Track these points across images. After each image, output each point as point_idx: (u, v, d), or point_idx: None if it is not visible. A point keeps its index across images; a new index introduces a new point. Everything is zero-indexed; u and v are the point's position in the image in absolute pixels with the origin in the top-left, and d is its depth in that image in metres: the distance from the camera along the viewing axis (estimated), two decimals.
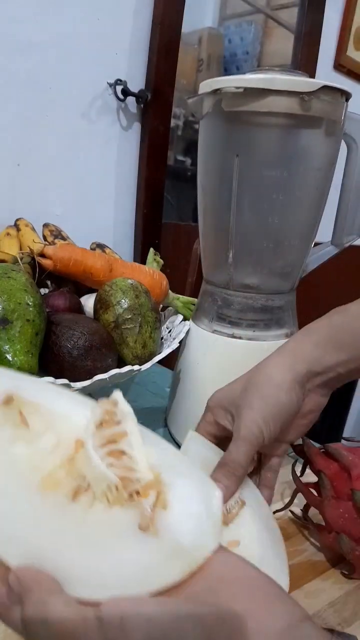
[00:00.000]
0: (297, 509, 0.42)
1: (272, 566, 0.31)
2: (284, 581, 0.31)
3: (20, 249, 0.70)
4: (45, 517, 0.24)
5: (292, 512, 0.42)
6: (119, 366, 0.52)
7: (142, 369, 0.50)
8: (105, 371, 0.48)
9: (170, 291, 0.71)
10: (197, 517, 0.24)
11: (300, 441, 0.42)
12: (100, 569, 0.22)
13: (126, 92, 0.93)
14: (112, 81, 0.91)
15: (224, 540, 0.31)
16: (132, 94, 0.94)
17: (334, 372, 0.38)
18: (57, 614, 0.20)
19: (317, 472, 0.40)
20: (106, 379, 0.47)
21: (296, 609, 0.22)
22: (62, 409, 0.28)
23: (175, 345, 0.55)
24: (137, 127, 0.99)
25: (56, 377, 0.44)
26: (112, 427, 0.27)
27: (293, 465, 0.42)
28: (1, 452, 0.26)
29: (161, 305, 0.70)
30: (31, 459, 0.26)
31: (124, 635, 0.20)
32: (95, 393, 0.60)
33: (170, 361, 0.61)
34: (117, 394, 0.28)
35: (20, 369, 0.44)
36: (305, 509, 0.41)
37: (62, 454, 0.26)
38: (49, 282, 0.67)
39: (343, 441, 0.43)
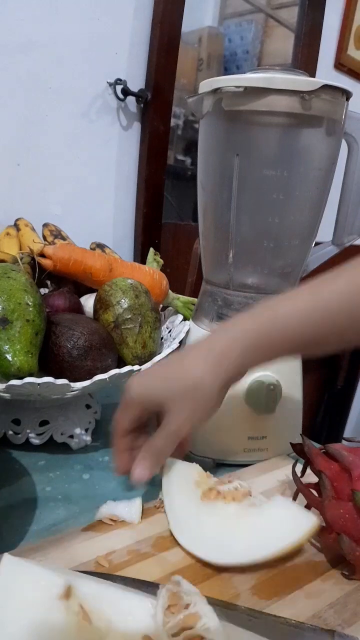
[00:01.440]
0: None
1: None
2: None
3: (20, 249, 0.70)
4: None
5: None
6: (119, 366, 0.51)
7: (142, 369, 0.50)
8: (105, 371, 0.48)
9: (170, 291, 0.71)
10: None
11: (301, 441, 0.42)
12: None
13: (126, 92, 0.92)
14: (112, 81, 0.91)
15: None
16: (132, 94, 0.94)
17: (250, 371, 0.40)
18: None
19: (317, 472, 0.39)
20: (106, 379, 0.47)
21: None
22: (121, 602, 0.28)
23: (175, 345, 0.55)
24: (137, 126, 0.99)
25: (56, 377, 0.44)
26: (183, 611, 0.26)
27: (294, 466, 0.42)
28: None
29: (161, 305, 0.70)
30: None
31: None
32: (95, 393, 0.60)
33: None
34: (177, 577, 0.28)
35: (20, 369, 0.44)
36: (306, 509, 0.41)
37: None
38: (48, 282, 0.67)
39: (344, 441, 0.43)
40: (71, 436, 0.53)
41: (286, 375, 0.51)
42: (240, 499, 0.40)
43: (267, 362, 0.39)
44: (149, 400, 0.39)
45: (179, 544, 0.38)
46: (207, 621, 0.26)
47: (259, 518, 0.38)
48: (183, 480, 0.42)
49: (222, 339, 0.39)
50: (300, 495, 0.41)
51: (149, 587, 0.33)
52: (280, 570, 0.37)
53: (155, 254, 0.77)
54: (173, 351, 0.55)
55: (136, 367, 0.49)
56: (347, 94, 0.47)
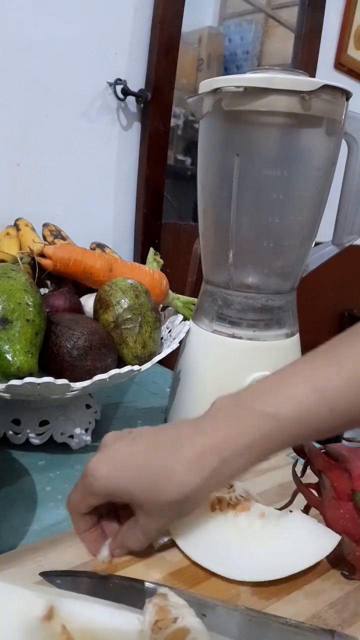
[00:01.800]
0: (297, 509, 0.42)
1: None
2: None
3: (20, 249, 0.70)
4: None
5: (292, 512, 0.42)
6: (119, 366, 0.51)
7: (142, 369, 0.50)
8: (105, 371, 0.48)
9: (170, 291, 0.71)
10: None
11: None
12: None
13: (126, 92, 0.93)
14: (112, 81, 0.91)
15: None
16: (132, 94, 0.94)
17: None
18: None
19: (317, 472, 0.39)
20: (106, 379, 0.47)
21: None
22: (106, 620, 0.27)
23: (175, 345, 0.55)
24: (137, 126, 0.99)
25: (56, 377, 0.44)
26: (171, 626, 0.26)
27: (294, 466, 0.42)
28: None
29: (161, 305, 0.70)
30: None
31: None
32: (95, 393, 0.60)
33: (170, 361, 0.61)
34: (164, 590, 0.28)
35: (20, 369, 0.44)
36: (306, 509, 0.41)
37: None
38: (48, 282, 0.67)
39: (344, 441, 0.43)
40: (71, 436, 0.53)
41: None
42: (248, 509, 0.39)
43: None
44: (119, 496, 0.35)
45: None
46: (197, 635, 0.25)
47: (276, 534, 0.37)
48: None
49: (218, 452, 0.33)
50: (300, 497, 0.41)
51: (149, 587, 0.33)
52: None
53: (155, 254, 0.77)
54: (173, 351, 0.55)
55: (136, 367, 0.49)
56: (347, 94, 0.47)
